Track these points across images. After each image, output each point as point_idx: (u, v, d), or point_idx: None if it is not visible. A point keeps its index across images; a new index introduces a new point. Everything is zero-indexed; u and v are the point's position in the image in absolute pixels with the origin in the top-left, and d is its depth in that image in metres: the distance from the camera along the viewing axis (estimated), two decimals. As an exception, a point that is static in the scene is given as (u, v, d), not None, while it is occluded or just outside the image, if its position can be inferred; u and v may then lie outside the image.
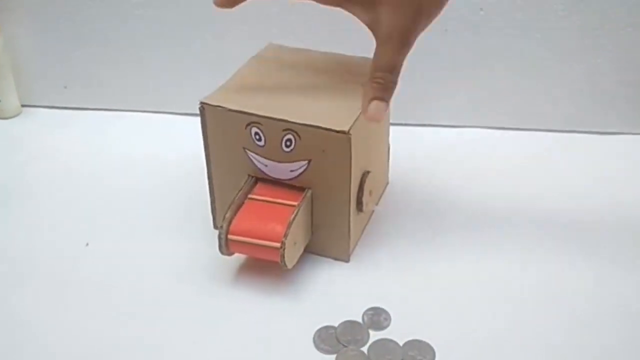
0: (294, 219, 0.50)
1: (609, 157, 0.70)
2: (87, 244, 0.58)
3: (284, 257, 0.50)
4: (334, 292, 0.52)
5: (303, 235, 0.53)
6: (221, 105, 0.52)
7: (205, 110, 0.53)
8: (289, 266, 0.51)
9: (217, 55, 0.74)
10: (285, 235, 0.49)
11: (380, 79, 0.47)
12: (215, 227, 0.57)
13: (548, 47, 0.70)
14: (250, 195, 0.53)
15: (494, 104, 0.74)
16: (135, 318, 0.51)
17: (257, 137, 0.51)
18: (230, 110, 0.51)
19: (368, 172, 0.54)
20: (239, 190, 0.53)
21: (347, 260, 0.55)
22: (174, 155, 0.70)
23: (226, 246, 0.51)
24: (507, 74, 0.72)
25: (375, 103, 0.47)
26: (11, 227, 0.61)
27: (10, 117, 0.78)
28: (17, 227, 0.61)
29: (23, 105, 0.79)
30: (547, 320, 0.50)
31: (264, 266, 0.53)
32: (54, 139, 0.74)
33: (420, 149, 0.63)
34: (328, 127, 0.49)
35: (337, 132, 0.49)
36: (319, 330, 0.49)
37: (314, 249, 0.55)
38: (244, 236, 0.51)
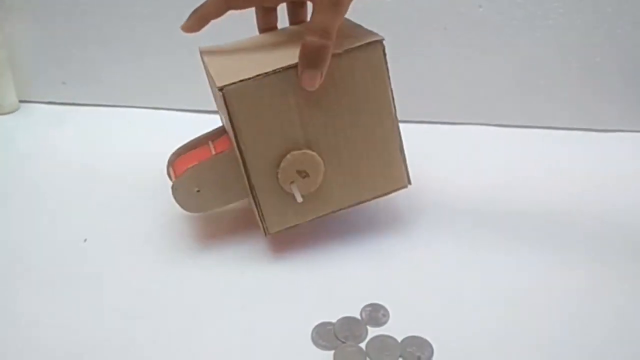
0: (198, 165, 0.52)
1: (609, 155, 0.70)
2: (85, 240, 0.58)
3: (175, 196, 0.53)
4: (332, 288, 0.52)
5: (217, 189, 0.53)
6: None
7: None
8: (185, 208, 0.54)
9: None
10: (179, 176, 0.52)
11: (314, 43, 0.47)
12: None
13: (547, 44, 0.70)
14: (210, 141, 0.56)
15: (492, 101, 0.74)
16: (133, 314, 0.50)
17: None
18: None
19: (303, 150, 0.50)
20: (208, 133, 0.57)
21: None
22: (172, 150, 0.70)
23: (169, 173, 0.57)
24: (506, 71, 0.72)
25: (307, 73, 0.48)
26: (9, 222, 0.61)
27: (8, 113, 0.78)
28: (15, 222, 0.61)
29: (21, 101, 0.79)
30: (546, 317, 0.50)
31: (263, 263, 0.53)
32: (52, 134, 0.74)
33: (418, 147, 0.63)
34: (218, 84, 0.48)
35: (219, 89, 0.48)
36: (317, 326, 0.49)
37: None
38: (175, 171, 0.57)
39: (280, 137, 0.50)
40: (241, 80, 0.48)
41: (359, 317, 0.50)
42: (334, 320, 0.49)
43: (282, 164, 0.51)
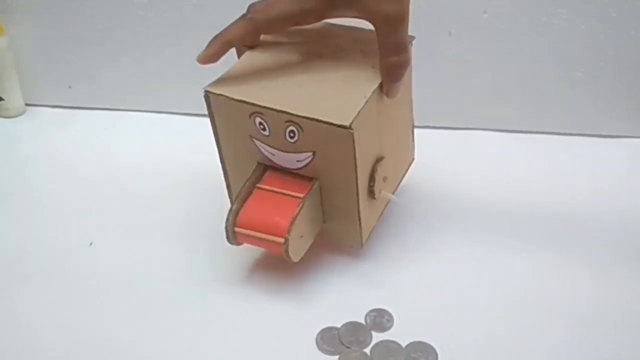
0: (298, 213, 0.50)
1: (612, 161, 0.70)
2: (91, 244, 0.58)
3: (288, 252, 0.49)
4: (337, 293, 0.52)
5: (311, 226, 0.52)
6: (224, 94, 0.50)
7: (209, 99, 0.51)
8: (295, 260, 0.50)
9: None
10: (289, 231, 0.49)
11: (396, 62, 0.50)
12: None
13: (551, 50, 0.70)
14: (258, 185, 0.52)
15: (497, 106, 0.74)
16: (138, 317, 0.51)
17: (262, 126, 0.50)
18: (233, 99, 0.49)
19: (382, 157, 0.53)
20: (247, 180, 0.52)
21: (360, 246, 0.54)
22: (178, 155, 0.70)
23: (233, 237, 0.51)
24: (510, 76, 0.72)
25: (394, 86, 0.51)
26: (15, 226, 0.61)
27: (15, 116, 0.78)
28: (21, 225, 0.61)
29: (27, 104, 0.80)
30: (551, 322, 0.50)
31: (268, 268, 0.53)
32: (58, 138, 0.74)
33: (421, 152, 0.63)
34: (330, 120, 0.47)
35: (338, 126, 0.47)
36: (322, 331, 0.49)
37: (327, 237, 0.54)
38: (249, 229, 0.50)
39: (372, 154, 0.52)
40: (358, 113, 0.48)
41: (363, 322, 0.50)
42: (338, 325, 0.50)
43: (376, 178, 0.52)
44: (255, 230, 0.50)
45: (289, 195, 0.51)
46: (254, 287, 0.53)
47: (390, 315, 0.50)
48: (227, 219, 0.50)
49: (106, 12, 0.74)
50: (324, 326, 0.49)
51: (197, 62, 0.50)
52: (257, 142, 0.51)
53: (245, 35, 0.50)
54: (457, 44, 0.71)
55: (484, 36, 0.70)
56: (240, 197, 0.51)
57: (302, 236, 0.51)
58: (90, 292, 0.53)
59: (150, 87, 0.77)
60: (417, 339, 0.48)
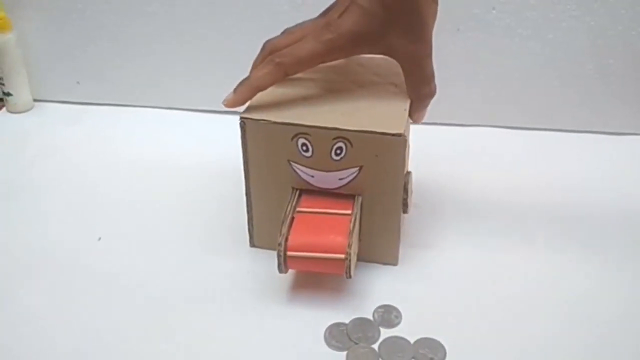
0: (353, 227, 0.49)
1: (620, 158, 0.70)
2: (100, 239, 0.58)
3: (349, 267, 0.49)
4: (345, 289, 0.52)
5: (357, 244, 0.52)
6: (264, 118, 0.50)
7: (246, 125, 0.51)
8: (352, 276, 0.50)
9: (230, 51, 0.74)
10: (350, 246, 0.48)
11: (427, 93, 0.53)
12: (252, 243, 0.56)
13: (560, 46, 0.70)
14: (299, 208, 0.51)
15: (505, 103, 0.74)
16: (145, 313, 0.51)
17: (304, 148, 0.50)
18: (275, 122, 0.50)
19: (409, 172, 0.54)
20: (288, 204, 0.51)
21: (395, 264, 0.55)
22: (187, 150, 0.71)
23: (285, 264, 0.49)
24: (518, 73, 0.72)
25: (423, 112, 0.54)
26: (23, 220, 0.61)
27: (23, 112, 0.79)
28: (29, 220, 0.61)
29: (35, 100, 0.80)
30: (558, 318, 0.50)
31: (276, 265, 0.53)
32: (66, 133, 0.75)
33: (428, 148, 0.63)
34: (383, 131, 0.48)
35: (393, 135, 0.48)
36: (330, 326, 0.49)
37: (361, 255, 0.54)
38: (303, 251, 0.49)
39: (405, 167, 0.53)
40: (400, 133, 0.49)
41: (371, 318, 0.50)
42: (346, 321, 0.50)
43: (408, 191, 0.53)
44: (311, 252, 0.49)
45: (335, 213, 0.51)
46: (262, 283, 0.53)
47: (398, 311, 0.50)
48: (279, 244, 0.49)
49: (114, 8, 0.74)
50: (332, 322, 0.49)
51: (223, 105, 0.51)
52: (296, 166, 0.51)
53: (275, 81, 0.51)
54: (466, 40, 0.71)
55: (492, 32, 0.70)
56: (285, 222, 0.50)
57: (355, 252, 0.51)
58: (99, 288, 0.53)
59: (159, 83, 0.78)
60: (425, 336, 0.48)
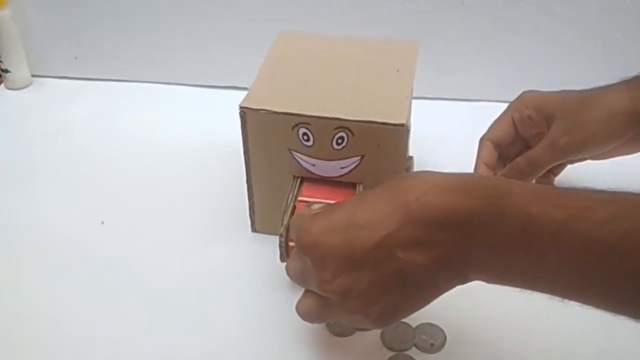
0: None
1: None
2: (103, 222, 0.58)
3: None
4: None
5: None
6: (265, 108, 0.49)
7: (246, 115, 0.50)
8: None
9: (232, 25, 0.73)
10: None
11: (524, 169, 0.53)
12: (254, 229, 0.57)
13: (567, 21, 0.68)
14: (300, 198, 0.51)
15: (510, 78, 0.72)
16: (146, 298, 0.51)
17: (305, 137, 0.50)
18: (275, 112, 0.49)
19: (411, 157, 0.53)
20: (289, 193, 0.51)
21: None
22: (189, 126, 0.70)
23: (287, 254, 0.49)
24: (524, 48, 0.71)
25: None
26: (23, 200, 0.61)
27: (21, 88, 0.78)
28: (30, 199, 0.61)
29: (33, 76, 0.79)
30: (557, 304, 0.50)
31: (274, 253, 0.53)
32: (66, 110, 0.74)
33: (435, 123, 0.62)
34: (385, 121, 0.48)
35: (395, 125, 0.48)
36: (332, 312, 0.49)
37: None
38: None
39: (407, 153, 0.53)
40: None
41: (373, 303, 0.50)
42: (348, 307, 0.50)
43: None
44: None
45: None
46: (264, 268, 0.53)
47: (399, 296, 0.50)
48: (281, 235, 0.49)
49: (112, -18, 0.73)
50: (334, 307, 0.50)
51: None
52: (297, 154, 0.51)
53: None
54: (470, 14, 0.69)
55: (497, 6, 0.68)
56: (287, 211, 0.50)
57: None
58: (100, 272, 0.53)
59: (158, 58, 0.76)
60: (426, 320, 0.48)
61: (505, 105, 0.72)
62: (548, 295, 0.46)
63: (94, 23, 0.75)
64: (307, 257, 0.39)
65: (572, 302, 0.36)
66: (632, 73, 0.70)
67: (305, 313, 0.42)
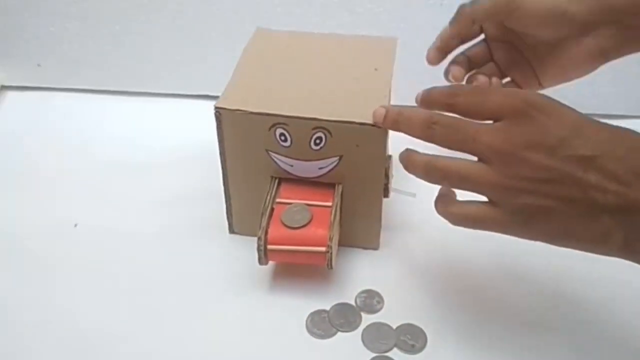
0: (334, 219, 0.49)
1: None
2: (76, 225, 0.57)
3: (330, 260, 0.48)
4: (327, 275, 0.52)
5: (338, 232, 0.51)
6: (241, 108, 0.48)
7: (222, 116, 0.49)
8: (334, 267, 0.49)
9: (205, 31, 0.71)
10: (330, 239, 0.48)
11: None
12: (231, 230, 0.56)
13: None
14: (278, 200, 0.50)
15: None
16: (122, 302, 0.50)
17: (283, 137, 0.49)
18: (252, 113, 0.48)
19: (390, 156, 0.53)
20: (267, 194, 0.50)
21: (376, 248, 0.54)
22: (161, 137, 0.68)
23: (265, 257, 0.49)
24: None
25: None
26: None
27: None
28: (1, 207, 0.59)
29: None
30: (542, 304, 0.50)
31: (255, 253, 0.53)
32: (31, 121, 0.71)
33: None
34: (363, 121, 0.47)
35: (374, 125, 0.47)
36: (312, 314, 0.49)
37: (342, 241, 0.53)
38: (284, 244, 0.48)
39: (386, 152, 0.52)
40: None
41: (353, 303, 0.50)
42: (328, 308, 0.49)
43: (389, 176, 0.52)
44: (292, 244, 0.48)
45: (315, 205, 0.50)
46: (242, 271, 0.52)
47: (380, 296, 0.50)
48: (259, 238, 0.48)
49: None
50: (313, 309, 0.49)
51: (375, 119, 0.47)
52: (275, 155, 0.50)
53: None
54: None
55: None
56: (265, 213, 0.49)
57: (336, 243, 0.50)
58: (73, 274, 0.52)
59: (130, 66, 0.74)
60: (406, 321, 0.48)
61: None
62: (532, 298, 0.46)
63: (59, 28, 0.72)
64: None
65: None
66: (621, 80, 0.69)
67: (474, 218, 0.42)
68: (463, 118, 0.42)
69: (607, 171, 0.38)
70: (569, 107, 0.40)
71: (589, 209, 0.38)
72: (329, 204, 0.50)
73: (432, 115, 0.43)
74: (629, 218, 0.38)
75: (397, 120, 0.45)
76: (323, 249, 0.47)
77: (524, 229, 0.41)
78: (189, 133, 0.66)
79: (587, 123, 0.40)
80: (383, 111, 0.46)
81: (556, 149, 0.38)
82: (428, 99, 0.44)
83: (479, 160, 0.41)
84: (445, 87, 0.45)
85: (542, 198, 0.39)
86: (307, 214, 0.49)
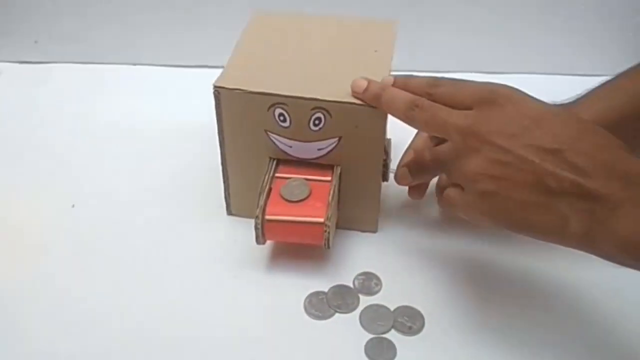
0: (332, 198, 0.48)
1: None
2: (74, 206, 0.57)
3: (328, 238, 0.48)
4: (325, 257, 0.52)
5: (335, 213, 0.51)
6: (240, 87, 0.48)
7: (220, 95, 0.48)
8: (331, 247, 0.49)
9: (199, 2, 0.70)
10: (328, 217, 0.47)
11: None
12: (229, 212, 0.55)
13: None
14: (277, 175, 0.50)
15: (489, 55, 0.72)
16: (119, 283, 0.50)
17: (282, 118, 0.48)
18: (251, 92, 0.48)
19: (389, 139, 0.53)
20: (265, 175, 0.50)
21: (375, 231, 0.54)
22: (160, 110, 0.68)
23: (262, 236, 0.48)
24: (502, 24, 0.71)
25: None
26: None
27: (-19, 73, 0.75)
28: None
29: (-4, 61, 0.76)
30: (537, 289, 0.50)
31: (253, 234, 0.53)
32: (30, 95, 0.71)
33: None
34: (362, 102, 0.47)
35: (373, 107, 0.47)
36: (310, 295, 0.49)
37: (340, 223, 0.53)
38: (281, 215, 0.48)
39: (385, 135, 0.52)
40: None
41: (351, 285, 0.50)
42: (326, 290, 0.49)
43: (387, 159, 0.53)
44: (289, 215, 0.48)
45: (314, 180, 0.50)
46: (240, 252, 0.52)
47: (378, 278, 0.50)
48: (257, 217, 0.47)
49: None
50: (311, 291, 0.49)
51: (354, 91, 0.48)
52: (273, 136, 0.50)
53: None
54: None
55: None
56: (263, 193, 0.49)
57: (334, 223, 0.50)
58: (71, 255, 0.52)
59: (127, 37, 0.74)
60: (404, 303, 0.48)
61: (478, 76, 0.72)
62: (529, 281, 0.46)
63: (55, 4, 0.72)
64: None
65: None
66: (593, 40, 0.70)
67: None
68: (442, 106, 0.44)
69: (567, 162, 0.38)
70: (538, 100, 0.42)
71: (544, 195, 0.39)
72: (328, 178, 0.50)
73: (416, 98, 0.45)
74: (586, 207, 0.38)
75: (379, 95, 0.46)
76: (321, 219, 0.47)
77: (487, 215, 0.42)
78: (188, 106, 0.65)
79: (553, 116, 0.41)
80: (364, 83, 0.47)
81: (517, 136, 0.40)
82: (406, 87, 0.46)
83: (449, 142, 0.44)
84: (424, 77, 0.47)
85: (500, 182, 0.40)
86: (306, 189, 0.49)
